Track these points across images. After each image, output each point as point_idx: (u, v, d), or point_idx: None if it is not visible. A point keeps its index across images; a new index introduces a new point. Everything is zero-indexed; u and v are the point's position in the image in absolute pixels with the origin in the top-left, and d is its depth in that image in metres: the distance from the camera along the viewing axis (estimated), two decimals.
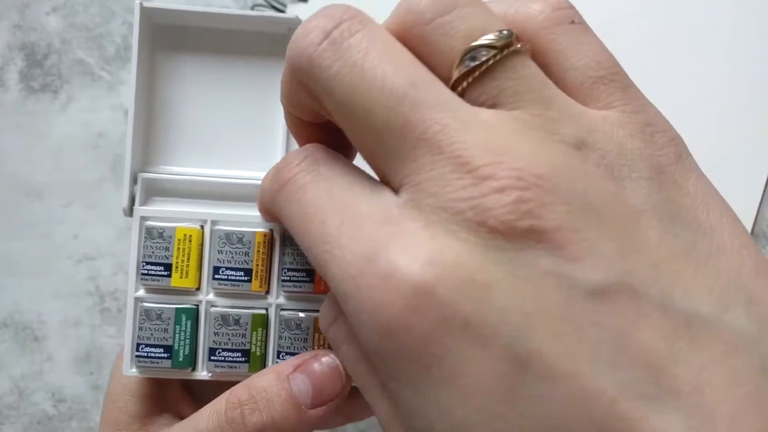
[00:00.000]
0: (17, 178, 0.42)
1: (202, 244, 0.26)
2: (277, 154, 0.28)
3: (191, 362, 0.26)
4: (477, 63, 0.16)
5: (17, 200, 0.42)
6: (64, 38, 0.43)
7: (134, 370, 0.26)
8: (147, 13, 0.26)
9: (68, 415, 0.41)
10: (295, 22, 0.26)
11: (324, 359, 0.23)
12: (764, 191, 0.42)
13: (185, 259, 0.25)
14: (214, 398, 0.24)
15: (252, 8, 0.40)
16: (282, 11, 0.41)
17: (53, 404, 0.41)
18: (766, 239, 0.43)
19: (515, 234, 0.14)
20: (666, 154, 0.16)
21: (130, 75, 0.26)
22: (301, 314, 0.26)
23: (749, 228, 0.42)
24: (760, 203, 0.42)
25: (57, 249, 0.42)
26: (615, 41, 0.43)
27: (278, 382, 0.23)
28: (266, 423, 0.22)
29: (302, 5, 0.41)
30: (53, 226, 0.42)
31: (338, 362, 0.23)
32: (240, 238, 0.26)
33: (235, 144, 0.27)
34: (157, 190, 0.27)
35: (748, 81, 0.44)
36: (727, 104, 0.43)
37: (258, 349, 0.26)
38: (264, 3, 0.41)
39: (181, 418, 0.26)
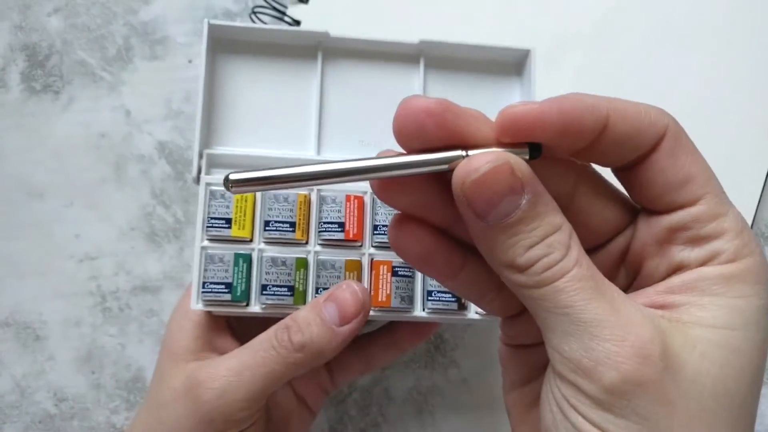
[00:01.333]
0: (18, 178, 0.42)
1: (254, 204, 0.32)
2: (311, 137, 0.35)
3: (246, 297, 0.32)
4: None
5: (19, 200, 0.42)
6: (66, 39, 0.43)
7: (200, 304, 0.32)
8: (211, 29, 0.33)
9: (69, 415, 0.41)
10: (324, 35, 0.33)
11: (345, 286, 0.30)
12: (762, 194, 0.43)
13: (242, 214, 0.32)
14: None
15: (253, 10, 0.40)
16: (283, 12, 0.41)
17: (54, 403, 0.41)
18: (765, 240, 0.43)
19: None
20: None
21: (198, 75, 0.33)
22: (335, 257, 0.33)
23: None
24: (758, 205, 0.43)
25: (58, 249, 0.42)
26: (613, 41, 0.43)
27: (314, 311, 0.29)
28: (306, 340, 0.29)
29: (303, 6, 0.42)
30: (54, 226, 0.42)
31: (357, 288, 0.30)
32: (286, 198, 0.32)
33: (277, 128, 0.35)
34: (217, 163, 0.34)
35: (746, 86, 0.44)
36: (725, 107, 0.44)
37: (300, 285, 0.32)
38: (265, 4, 0.41)
39: None
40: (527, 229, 0.19)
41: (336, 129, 0.35)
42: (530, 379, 0.23)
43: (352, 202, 0.33)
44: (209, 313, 0.33)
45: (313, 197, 0.33)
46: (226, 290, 0.31)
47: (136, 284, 0.42)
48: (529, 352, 0.23)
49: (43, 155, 0.42)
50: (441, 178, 0.20)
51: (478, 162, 0.18)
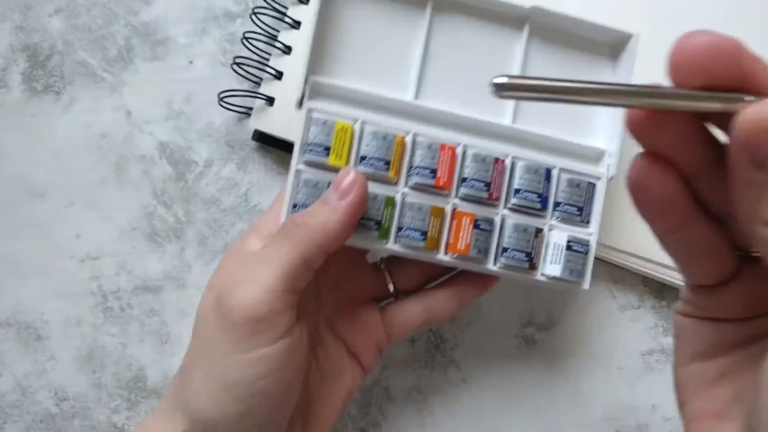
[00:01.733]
0: (19, 178, 0.42)
1: (353, 137, 0.34)
2: (410, 82, 0.36)
3: None
4: None
5: (19, 200, 0.42)
6: (67, 40, 0.43)
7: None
8: None
9: (71, 414, 0.41)
10: None
11: (342, 171, 0.31)
12: None
13: (341, 145, 0.33)
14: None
15: (253, 11, 0.41)
16: (283, 13, 0.41)
17: (56, 403, 0.41)
18: None
19: None
20: None
21: (311, 5, 0.36)
22: (422, 201, 0.34)
23: None
24: None
25: (59, 249, 0.42)
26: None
27: (318, 200, 0.32)
28: (307, 218, 0.31)
29: (303, 7, 0.42)
30: (55, 226, 0.42)
31: (351, 169, 0.31)
32: (384, 136, 0.34)
33: (380, 68, 0.36)
34: (318, 92, 0.35)
35: None
36: None
37: (387, 222, 0.34)
38: (266, 5, 0.41)
39: None
40: None
41: (435, 77, 0.37)
42: (717, 355, 0.22)
43: (446, 151, 0.34)
44: None
45: (408, 140, 0.34)
46: None
47: (137, 284, 0.42)
48: (721, 325, 0.22)
49: (44, 155, 0.43)
50: (701, 122, 0.19)
51: None
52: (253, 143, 0.43)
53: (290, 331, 0.30)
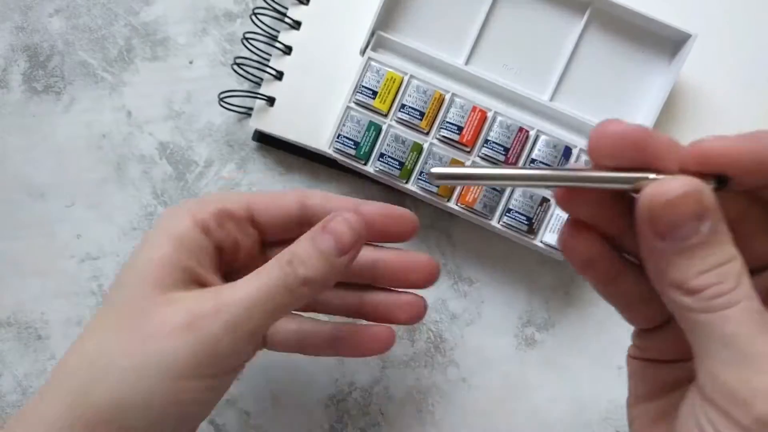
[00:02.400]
0: (20, 178, 0.42)
1: (399, 87, 0.38)
2: (464, 48, 0.40)
3: (367, 158, 0.38)
4: None
5: (20, 200, 0.42)
6: (67, 40, 0.43)
7: (331, 149, 0.38)
8: None
9: None
10: None
11: (340, 219, 0.29)
12: None
13: (387, 92, 0.38)
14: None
15: (253, 11, 0.41)
16: (284, 13, 0.42)
17: None
18: None
19: None
20: None
21: None
22: (444, 152, 0.38)
23: None
24: None
25: (60, 249, 0.42)
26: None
27: (313, 245, 0.29)
28: (310, 274, 0.29)
29: (303, 7, 0.42)
30: (56, 226, 0.42)
31: (352, 220, 0.29)
32: (425, 91, 0.38)
33: (439, 30, 0.40)
34: (382, 45, 0.40)
35: None
36: None
37: (410, 164, 0.38)
38: (266, 5, 0.41)
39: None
40: (702, 255, 0.20)
41: (488, 48, 0.40)
42: (657, 396, 0.24)
43: (476, 113, 0.38)
44: (197, 237, 0.31)
45: (446, 98, 0.39)
46: (353, 146, 0.38)
47: None
48: (659, 367, 0.24)
49: (44, 155, 0.43)
50: (619, 194, 0.22)
51: (670, 185, 0.19)
52: (253, 143, 0.43)
53: (244, 364, 0.30)
